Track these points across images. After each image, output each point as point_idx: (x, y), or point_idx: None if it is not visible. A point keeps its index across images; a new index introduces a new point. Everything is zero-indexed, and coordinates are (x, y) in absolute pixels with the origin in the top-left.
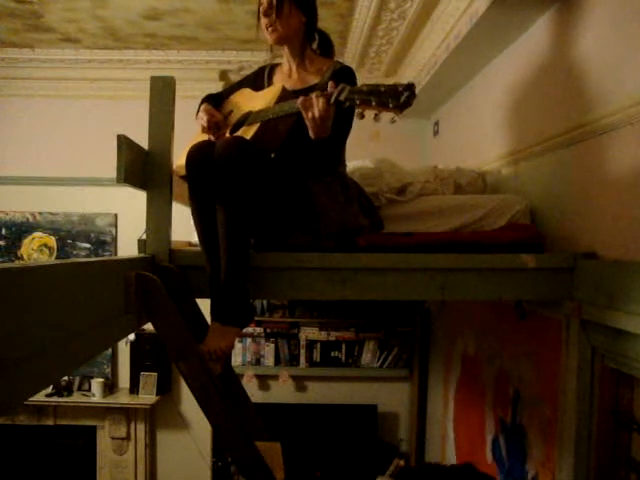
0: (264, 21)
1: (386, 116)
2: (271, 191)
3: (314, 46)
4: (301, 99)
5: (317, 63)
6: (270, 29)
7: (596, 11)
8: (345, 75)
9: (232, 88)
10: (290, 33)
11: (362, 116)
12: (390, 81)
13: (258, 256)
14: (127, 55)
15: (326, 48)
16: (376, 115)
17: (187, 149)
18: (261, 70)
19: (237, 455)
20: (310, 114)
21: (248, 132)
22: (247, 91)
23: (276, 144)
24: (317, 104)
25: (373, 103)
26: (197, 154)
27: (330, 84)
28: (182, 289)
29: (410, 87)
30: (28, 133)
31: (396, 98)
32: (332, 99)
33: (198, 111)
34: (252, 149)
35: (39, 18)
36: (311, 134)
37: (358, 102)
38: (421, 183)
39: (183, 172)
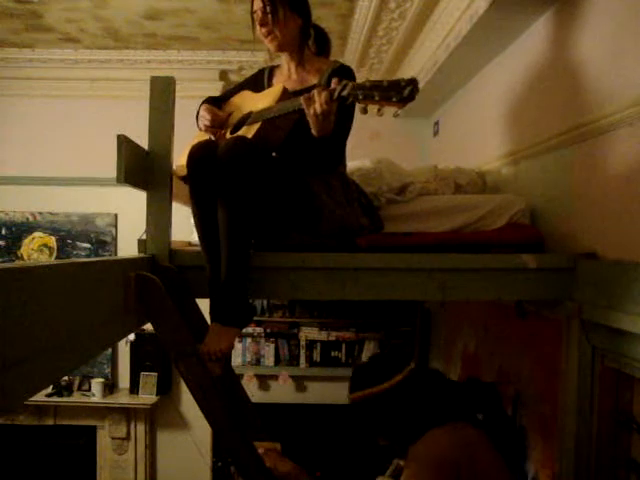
0: (262, 30)
1: (388, 111)
2: (272, 191)
3: (310, 43)
4: (304, 95)
5: (316, 63)
6: (269, 37)
7: (595, 11)
8: (344, 74)
9: (231, 91)
10: (289, 38)
11: (365, 111)
12: None
13: (258, 256)
14: (127, 55)
15: (322, 44)
16: (379, 110)
17: (187, 150)
18: (260, 72)
19: (237, 456)
20: (312, 110)
21: (250, 131)
22: (247, 93)
23: (277, 142)
24: (319, 99)
25: (376, 98)
26: (199, 153)
27: (334, 81)
28: (182, 289)
29: (413, 81)
30: (28, 133)
31: (399, 92)
32: (335, 95)
33: (198, 113)
34: (255, 149)
35: (39, 18)
36: (313, 131)
37: (361, 97)
38: (421, 183)
39: (182, 173)
